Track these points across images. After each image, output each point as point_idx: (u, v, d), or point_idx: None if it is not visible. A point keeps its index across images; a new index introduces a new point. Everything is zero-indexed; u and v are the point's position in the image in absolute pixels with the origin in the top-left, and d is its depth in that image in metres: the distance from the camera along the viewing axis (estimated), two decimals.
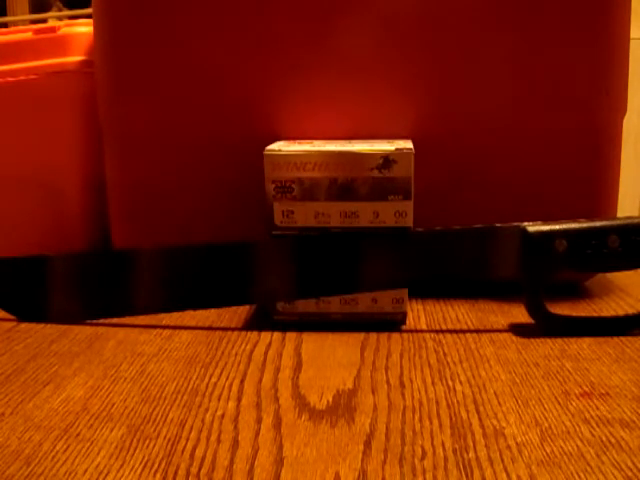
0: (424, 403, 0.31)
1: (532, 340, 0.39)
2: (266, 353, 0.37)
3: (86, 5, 0.62)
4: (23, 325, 0.42)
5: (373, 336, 0.40)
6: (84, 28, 0.54)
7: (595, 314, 0.43)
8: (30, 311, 0.42)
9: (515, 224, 0.39)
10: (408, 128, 0.46)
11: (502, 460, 0.26)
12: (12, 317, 0.43)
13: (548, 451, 0.26)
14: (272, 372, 0.35)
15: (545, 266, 0.39)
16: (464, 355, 0.36)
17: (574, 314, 0.43)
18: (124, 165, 0.49)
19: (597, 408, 0.30)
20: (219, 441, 0.28)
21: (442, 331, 0.40)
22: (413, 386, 0.33)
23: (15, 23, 1.08)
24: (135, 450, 0.27)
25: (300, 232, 0.40)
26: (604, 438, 0.27)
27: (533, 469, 0.25)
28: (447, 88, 0.45)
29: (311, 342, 0.39)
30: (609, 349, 0.37)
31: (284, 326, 0.41)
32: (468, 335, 0.40)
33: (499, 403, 0.31)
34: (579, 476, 0.25)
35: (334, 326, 0.41)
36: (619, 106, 0.47)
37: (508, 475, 0.25)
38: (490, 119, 0.46)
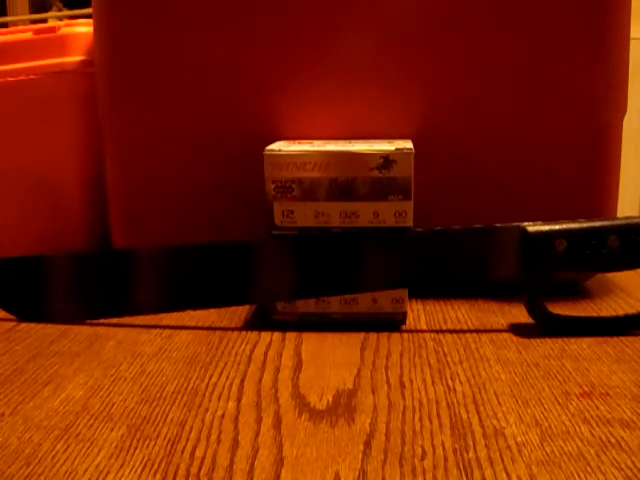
0: (424, 403, 0.31)
1: (532, 340, 0.39)
2: (266, 353, 0.37)
3: (86, 5, 0.62)
4: (23, 325, 0.42)
5: (373, 336, 0.40)
6: (84, 28, 0.54)
7: (595, 314, 0.43)
8: (30, 311, 0.42)
9: (515, 224, 0.39)
10: (408, 128, 0.46)
11: (502, 460, 0.26)
12: (12, 317, 0.43)
13: (548, 451, 0.26)
14: (272, 372, 0.35)
15: (545, 266, 0.39)
16: (464, 355, 0.36)
17: (574, 314, 0.43)
18: (124, 165, 0.49)
19: (597, 408, 0.30)
20: (219, 441, 0.28)
21: (442, 331, 0.40)
22: (413, 386, 0.33)
23: (15, 23, 1.08)
24: (135, 450, 0.27)
25: (300, 232, 0.40)
26: (604, 438, 0.27)
27: (533, 469, 0.25)
28: (447, 88, 0.45)
29: (311, 342, 0.39)
30: (609, 349, 0.37)
31: (284, 326, 0.41)
32: (468, 335, 0.40)
33: (499, 403, 0.31)
34: (579, 476, 0.25)
35: (334, 326, 0.41)
36: (619, 106, 0.47)
37: (508, 475, 0.25)
38: (490, 119, 0.46)
